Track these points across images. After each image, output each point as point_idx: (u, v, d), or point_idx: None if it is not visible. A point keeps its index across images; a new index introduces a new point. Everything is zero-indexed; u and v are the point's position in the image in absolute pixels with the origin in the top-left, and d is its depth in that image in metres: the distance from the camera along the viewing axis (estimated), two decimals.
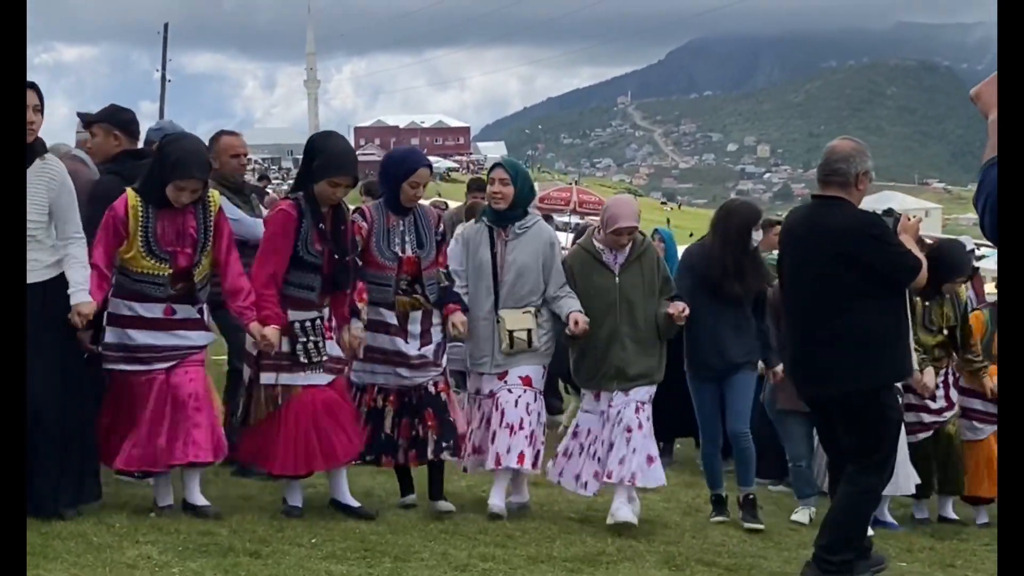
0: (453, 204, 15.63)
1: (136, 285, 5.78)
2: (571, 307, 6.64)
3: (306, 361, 5.95)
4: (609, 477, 6.62)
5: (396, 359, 6.39)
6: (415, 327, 6.42)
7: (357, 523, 5.98)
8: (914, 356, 7.28)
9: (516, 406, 6.62)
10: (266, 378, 5.97)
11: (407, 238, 6.40)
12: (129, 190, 5.82)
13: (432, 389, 6.44)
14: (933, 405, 7.85)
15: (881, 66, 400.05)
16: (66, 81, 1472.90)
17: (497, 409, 6.63)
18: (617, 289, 6.73)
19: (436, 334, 6.50)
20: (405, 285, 6.40)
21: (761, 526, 7.11)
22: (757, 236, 7.22)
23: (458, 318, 6.43)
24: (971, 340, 7.73)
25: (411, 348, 6.38)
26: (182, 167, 5.71)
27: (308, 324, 6.00)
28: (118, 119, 6.70)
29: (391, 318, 6.37)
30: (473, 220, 7.13)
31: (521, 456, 6.56)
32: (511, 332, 6.59)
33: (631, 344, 6.71)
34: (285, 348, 5.95)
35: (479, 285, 6.67)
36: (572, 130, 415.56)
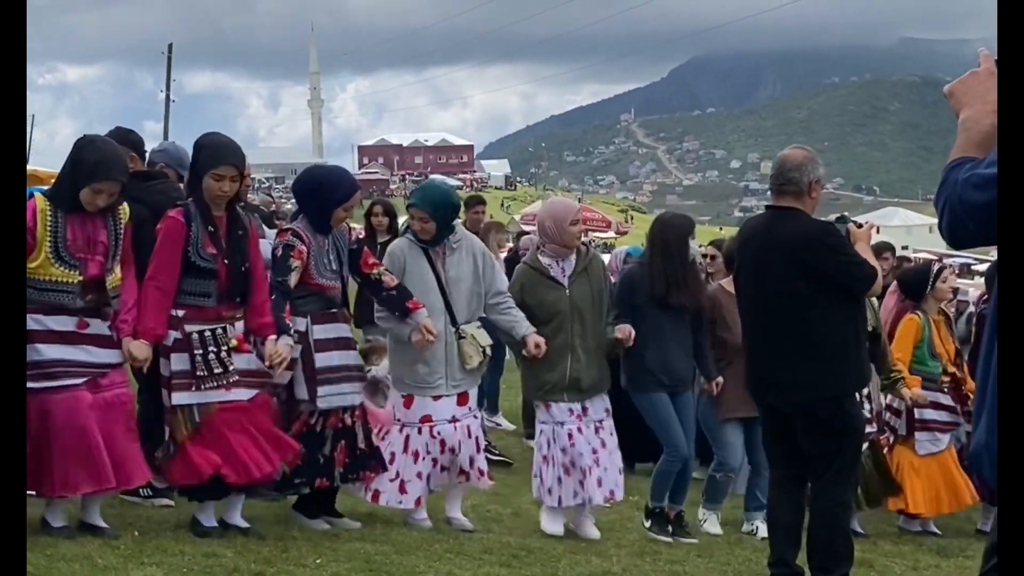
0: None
1: (45, 296, 5.45)
2: (526, 328, 6.63)
3: (204, 374, 5.66)
4: (591, 501, 6.83)
5: (357, 374, 6.34)
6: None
7: (362, 543, 5.97)
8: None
9: (482, 430, 6.75)
10: (178, 398, 5.70)
11: (330, 256, 6.25)
12: (38, 194, 5.63)
13: (352, 414, 6.30)
14: None
15: (884, 82, 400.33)
16: (70, 102, 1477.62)
17: (470, 436, 6.63)
18: (568, 301, 6.77)
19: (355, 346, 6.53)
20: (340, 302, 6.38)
21: (695, 540, 7.24)
22: (694, 246, 7.31)
23: (427, 320, 6.33)
24: (888, 350, 7.74)
25: (357, 358, 6.39)
26: (102, 169, 5.50)
27: (208, 335, 5.72)
28: (130, 141, 6.67)
29: (348, 331, 6.32)
30: (400, 238, 6.93)
31: (481, 472, 6.73)
32: (484, 348, 6.55)
33: (583, 355, 6.76)
34: (185, 365, 5.69)
35: (426, 304, 6.43)
36: (575, 148, 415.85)
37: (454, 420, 6.55)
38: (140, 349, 5.57)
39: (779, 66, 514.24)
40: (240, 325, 5.87)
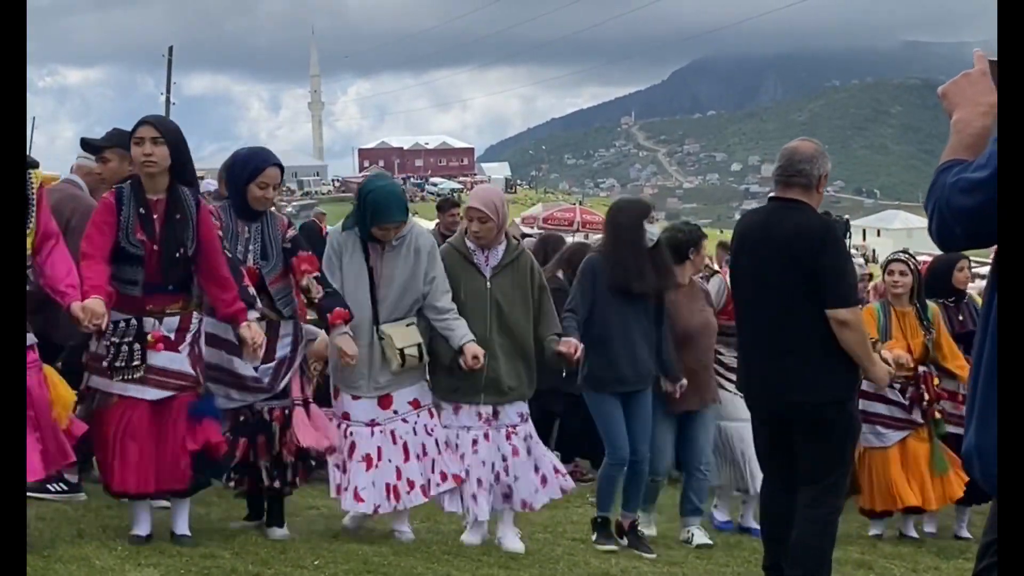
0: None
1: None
2: (464, 336, 6.18)
3: (121, 364, 5.34)
4: (476, 517, 6.34)
5: (228, 379, 5.85)
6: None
7: (360, 545, 5.96)
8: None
9: (416, 434, 6.25)
10: (94, 381, 5.44)
11: (251, 247, 5.91)
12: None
13: (267, 416, 5.90)
14: None
15: (885, 85, 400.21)
16: (71, 105, 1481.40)
17: (396, 443, 6.21)
18: (488, 294, 6.37)
19: (281, 349, 5.95)
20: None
21: (652, 555, 6.78)
22: (652, 230, 6.84)
23: (341, 341, 5.93)
24: None
25: (247, 368, 5.82)
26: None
27: (123, 324, 5.37)
28: (127, 142, 6.64)
29: (230, 334, 5.73)
30: (342, 229, 6.41)
31: (423, 487, 6.24)
32: (401, 350, 6.10)
33: (502, 355, 6.33)
34: (102, 351, 5.40)
35: (355, 299, 6.11)
36: (576, 150, 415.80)
37: (372, 424, 6.19)
38: (97, 303, 5.10)
39: (780, 69, 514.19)
40: (173, 320, 5.49)
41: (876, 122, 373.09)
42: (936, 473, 7.71)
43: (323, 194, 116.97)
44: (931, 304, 7.91)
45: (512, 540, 6.38)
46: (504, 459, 6.38)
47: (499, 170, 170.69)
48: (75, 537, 5.53)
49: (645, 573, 6.13)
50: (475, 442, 6.35)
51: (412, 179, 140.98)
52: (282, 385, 5.90)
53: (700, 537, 7.19)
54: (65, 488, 6.41)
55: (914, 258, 8.10)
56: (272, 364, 5.87)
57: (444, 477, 6.27)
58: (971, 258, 9.15)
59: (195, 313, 5.61)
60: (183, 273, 5.51)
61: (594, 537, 6.88)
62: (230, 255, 5.71)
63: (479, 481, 6.31)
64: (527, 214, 40.24)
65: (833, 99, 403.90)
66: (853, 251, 8.22)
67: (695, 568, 6.44)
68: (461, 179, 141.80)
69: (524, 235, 19.56)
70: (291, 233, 6.06)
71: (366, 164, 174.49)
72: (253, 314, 5.65)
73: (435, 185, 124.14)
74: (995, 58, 2.70)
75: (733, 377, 7.19)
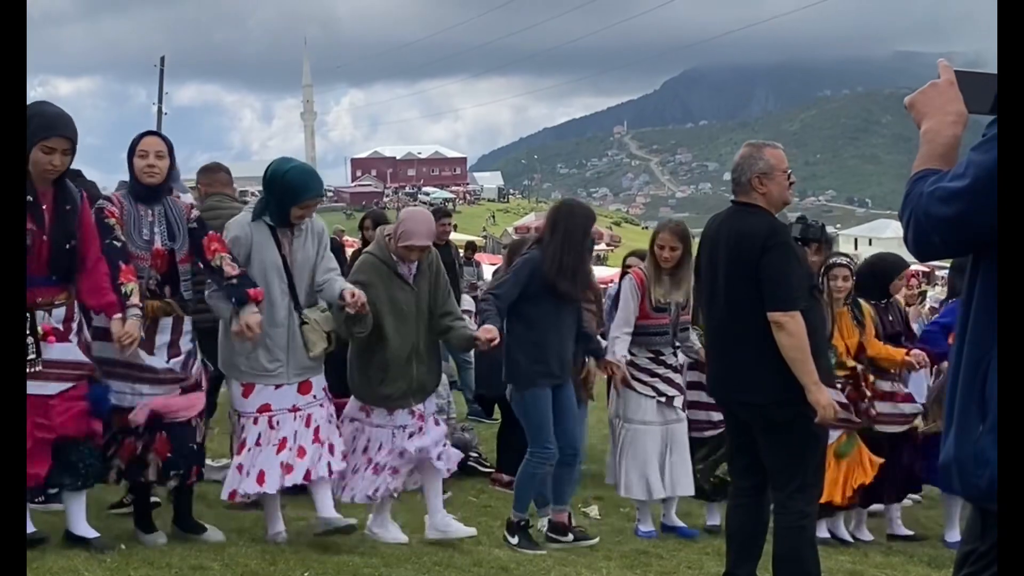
0: (466, 237, 15.59)
1: None
2: (341, 284, 6.09)
3: None
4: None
5: (135, 373, 5.73)
6: (164, 336, 5.82)
7: (351, 556, 5.94)
8: None
9: (330, 422, 6.24)
10: None
11: (157, 228, 5.82)
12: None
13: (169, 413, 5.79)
14: None
15: (876, 95, 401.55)
16: None
17: (309, 427, 6.13)
18: (415, 302, 6.41)
19: (186, 344, 5.91)
20: (155, 285, 5.80)
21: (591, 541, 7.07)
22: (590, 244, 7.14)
23: (253, 319, 5.79)
24: None
25: (157, 361, 5.75)
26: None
27: None
28: None
29: (162, 324, 5.71)
30: (250, 218, 6.19)
31: (330, 470, 6.17)
32: (328, 333, 6.12)
33: (427, 357, 6.48)
34: None
35: (270, 288, 6.01)
36: (568, 160, 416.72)
37: (294, 409, 6.12)
38: None
39: (772, 79, 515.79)
40: (60, 311, 5.40)
41: (867, 132, 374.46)
42: (839, 456, 7.64)
43: None
44: (864, 304, 7.97)
45: (456, 525, 6.49)
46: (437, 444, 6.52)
47: (492, 179, 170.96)
48: (64, 548, 5.50)
49: None
50: (411, 435, 6.44)
51: (405, 189, 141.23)
52: (194, 373, 5.89)
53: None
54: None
55: (853, 261, 8.22)
56: (180, 358, 5.85)
57: (330, 472, 6.16)
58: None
59: (76, 302, 5.54)
60: (68, 264, 5.42)
61: (515, 541, 6.83)
62: (119, 245, 5.61)
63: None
64: (520, 223, 40.34)
65: (825, 109, 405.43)
66: (845, 259, 8.15)
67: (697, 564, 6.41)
68: (453, 188, 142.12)
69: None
70: (195, 213, 6.02)
71: (358, 174, 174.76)
72: (133, 311, 5.49)
73: (427, 195, 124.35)
74: (961, 68, 2.73)
75: (644, 378, 7.49)
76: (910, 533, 8.41)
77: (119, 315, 5.44)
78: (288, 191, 6.01)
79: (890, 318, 8.18)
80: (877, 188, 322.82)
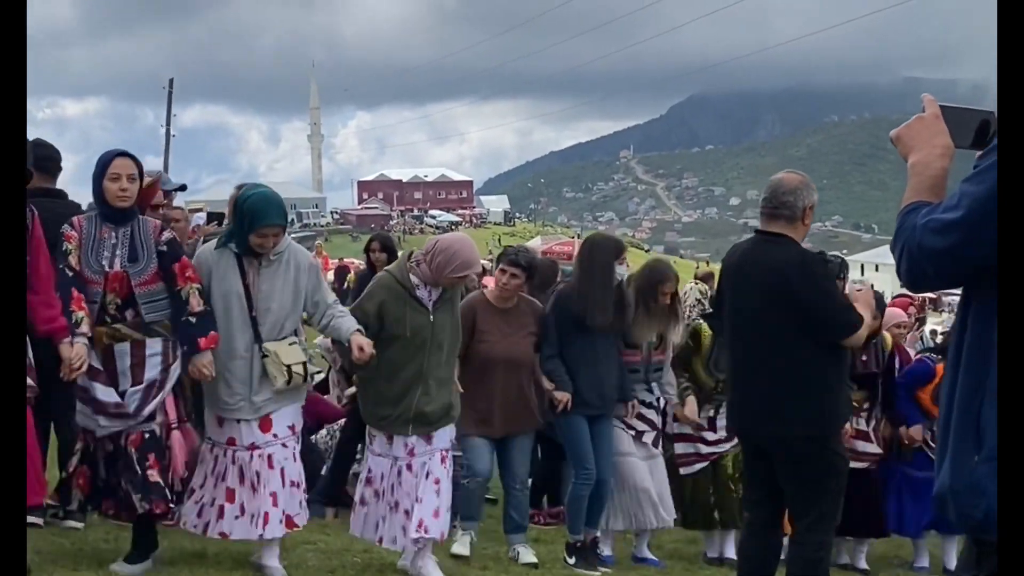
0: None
1: None
2: (350, 327, 5.92)
3: None
4: (426, 532, 6.08)
5: (92, 405, 5.56)
6: (123, 362, 5.56)
7: None
8: (687, 387, 7.60)
9: (296, 461, 5.97)
10: None
11: (118, 251, 5.58)
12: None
13: (123, 442, 5.58)
14: (710, 436, 7.75)
15: (883, 120, 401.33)
16: (70, 136, 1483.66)
17: (272, 468, 5.86)
18: (431, 328, 6.21)
19: (150, 369, 5.61)
20: (113, 309, 5.56)
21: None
22: (621, 270, 7.20)
23: (202, 361, 5.60)
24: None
25: (109, 394, 5.53)
26: None
27: None
28: (36, 155, 6.36)
29: (93, 358, 5.45)
30: (215, 246, 5.99)
31: (294, 518, 5.97)
32: (288, 367, 5.77)
33: (434, 386, 6.22)
34: None
35: (230, 318, 5.79)
36: (575, 184, 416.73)
37: (252, 447, 5.85)
38: None
39: (778, 104, 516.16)
40: None
41: (874, 158, 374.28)
42: None
43: (321, 226, 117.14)
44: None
45: (433, 569, 6.20)
46: (437, 482, 6.20)
47: (498, 203, 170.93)
48: (71, 569, 5.48)
49: None
50: (400, 472, 6.21)
51: (412, 212, 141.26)
52: (149, 410, 5.57)
53: (526, 555, 7.11)
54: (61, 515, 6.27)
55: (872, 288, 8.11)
56: (141, 387, 5.57)
57: (289, 522, 5.94)
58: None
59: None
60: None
61: (572, 561, 7.08)
62: (70, 274, 5.46)
63: (409, 510, 6.14)
64: (530, 245, 40.22)
65: (831, 135, 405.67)
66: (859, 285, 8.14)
67: None
68: (460, 212, 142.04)
69: None
70: (166, 236, 5.72)
71: (365, 196, 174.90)
72: (80, 338, 5.33)
73: (434, 218, 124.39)
74: (947, 103, 2.79)
75: (622, 412, 7.46)
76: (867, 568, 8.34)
77: (67, 339, 5.27)
78: (246, 217, 5.77)
79: (863, 358, 7.91)
80: (884, 214, 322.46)
